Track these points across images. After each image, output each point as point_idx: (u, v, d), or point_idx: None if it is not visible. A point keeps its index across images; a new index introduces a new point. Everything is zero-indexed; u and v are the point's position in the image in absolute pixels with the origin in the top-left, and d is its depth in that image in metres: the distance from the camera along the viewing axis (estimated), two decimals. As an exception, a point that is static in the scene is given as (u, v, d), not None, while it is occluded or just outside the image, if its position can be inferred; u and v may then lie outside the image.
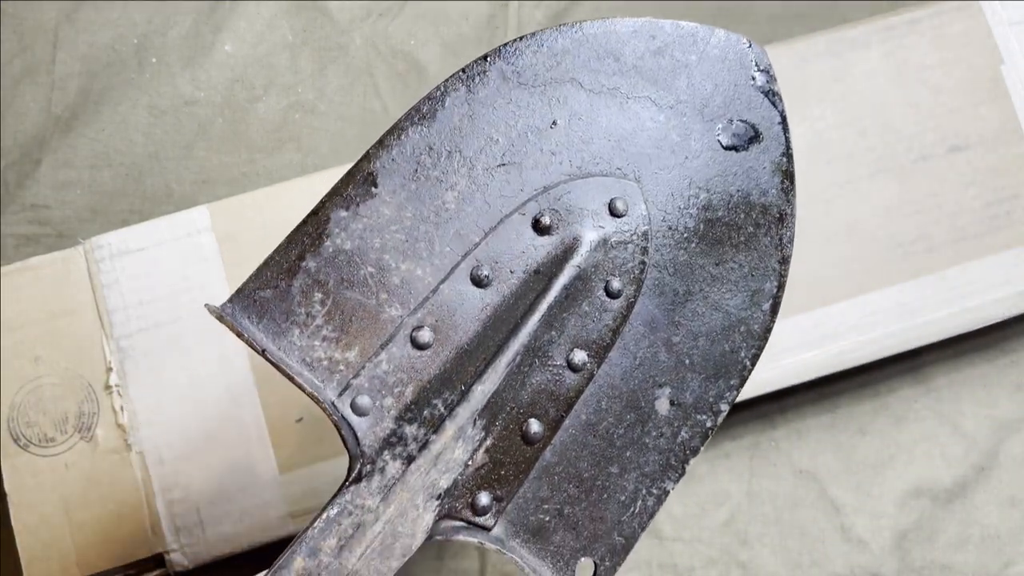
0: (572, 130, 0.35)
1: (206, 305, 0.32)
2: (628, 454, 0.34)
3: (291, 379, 0.32)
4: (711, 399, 0.35)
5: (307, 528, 0.31)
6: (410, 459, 0.32)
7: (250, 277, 0.32)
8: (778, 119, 0.36)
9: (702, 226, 0.35)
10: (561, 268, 0.34)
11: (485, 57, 0.34)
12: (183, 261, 0.44)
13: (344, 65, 0.54)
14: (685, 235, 0.35)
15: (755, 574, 0.47)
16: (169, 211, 0.46)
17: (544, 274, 0.34)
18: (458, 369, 0.33)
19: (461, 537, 0.32)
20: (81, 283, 0.44)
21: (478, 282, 0.34)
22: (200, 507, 0.42)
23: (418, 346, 0.33)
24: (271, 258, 0.33)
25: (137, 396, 0.43)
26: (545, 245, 0.34)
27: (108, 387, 0.43)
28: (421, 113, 0.34)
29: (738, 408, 0.46)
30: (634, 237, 0.35)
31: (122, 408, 0.43)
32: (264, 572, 0.32)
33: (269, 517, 0.42)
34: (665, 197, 0.35)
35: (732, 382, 0.35)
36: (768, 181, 0.36)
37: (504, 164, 0.34)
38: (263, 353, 0.31)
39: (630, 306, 0.35)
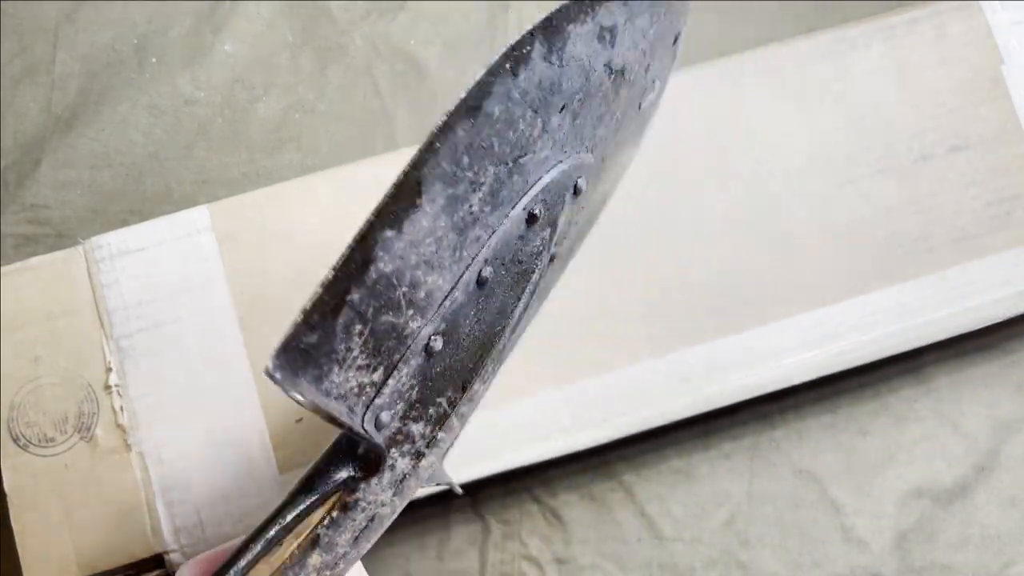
0: (574, 112, 0.32)
1: (266, 372, 0.29)
2: None
3: (332, 421, 0.30)
4: None
5: (313, 524, 0.31)
6: (419, 455, 0.32)
7: (297, 325, 0.28)
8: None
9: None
10: (540, 258, 0.34)
11: (532, 33, 0.30)
12: (183, 261, 0.44)
13: (344, 65, 0.54)
14: (604, 161, 0.35)
15: (756, 574, 0.47)
16: (169, 211, 0.46)
17: (526, 264, 0.33)
18: (457, 366, 0.33)
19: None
20: (81, 283, 0.44)
21: (481, 283, 0.32)
22: (200, 507, 0.42)
23: (430, 354, 0.32)
24: (319, 299, 0.28)
25: (137, 396, 0.43)
26: (530, 236, 0.33)
27: (108, 387, 0.43)
28: (469, 105, 0.29)
29: (738, 408, 0.46)
30: (583, 206, 0.34)
31: (122, 408, 0.43)
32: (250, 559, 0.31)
33: (269, 517, 0.42)
34: (602, 159, 0.35)
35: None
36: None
37: (522, 156, 0.31)
38: (314, 409, 0.29)
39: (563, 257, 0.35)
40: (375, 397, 0.31)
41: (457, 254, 0.31)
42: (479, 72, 0.30)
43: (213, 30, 0.54)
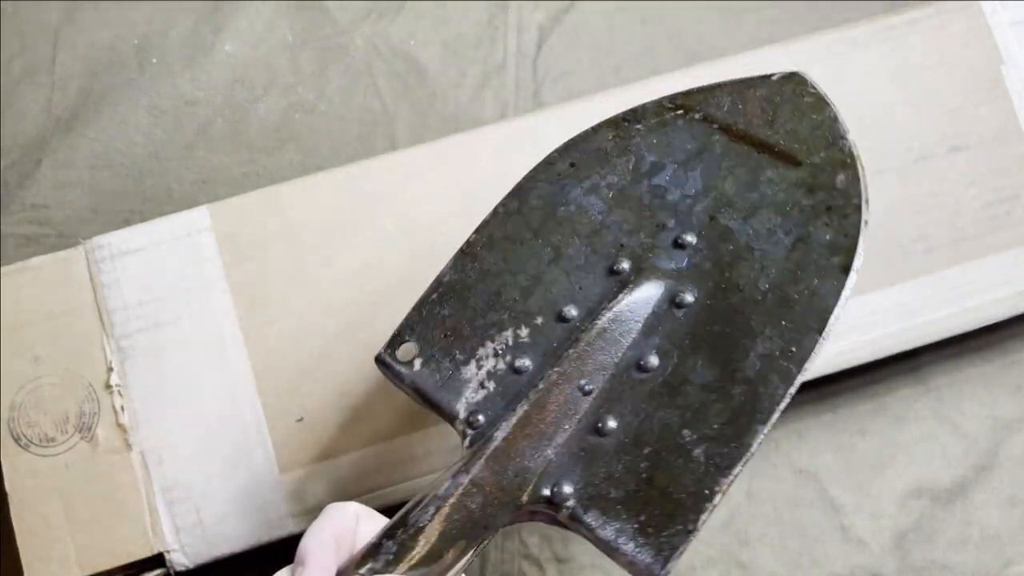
0: None
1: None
2: None
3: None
4: None
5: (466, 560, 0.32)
6: None
7: None
8: None
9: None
10: None
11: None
12: (183, 261, 0.44)
13: (344, 65, 0.54)
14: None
15: (755, 574, 0.47)
16: (169, 211, 0.46)
17: None
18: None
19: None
20: (81, 283, 0.44)
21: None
22: (200, 506, 0.42)
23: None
24: None
25: (137, 396, 0.43)
26: None
27: (108, 387, 0.43)
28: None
29: (738, 408, 0.46)
30: None
31: (122, 408, 0.43)
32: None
33: (269, 516, 0.43)
34: None
35: None
36: None
37: None
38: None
39: None
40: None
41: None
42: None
43: (213, 30, 0.54)
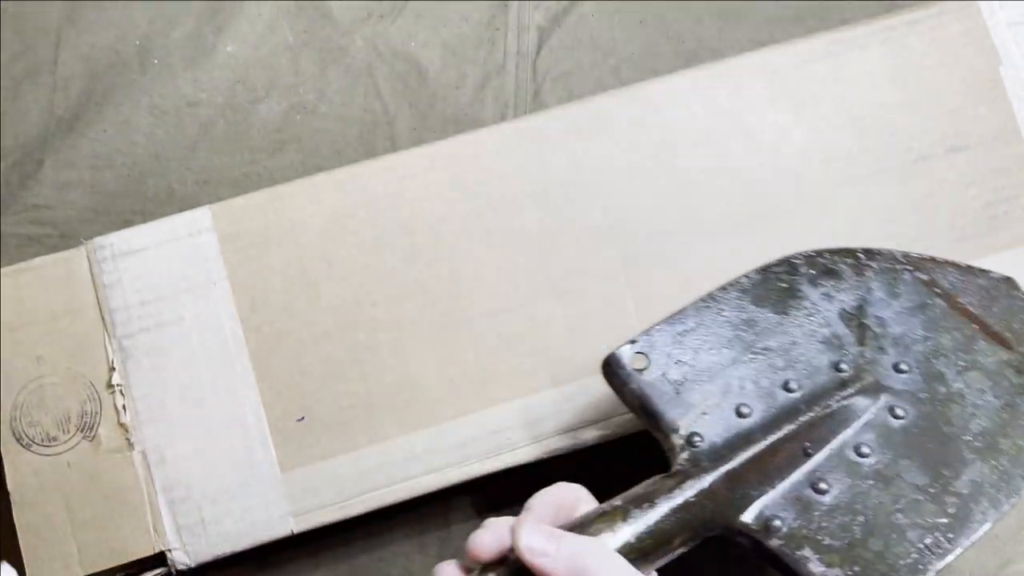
0: None
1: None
2: None
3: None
4: None
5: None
6: None
7: None
8: None
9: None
10: None
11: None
12: (185, 261, 0.45)
13: (345, 66, 0.54)
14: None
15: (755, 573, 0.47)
16: (171, 212, 0.46)
17: None
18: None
19: None
20: (83, 283, 0.44)
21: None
22: (202, 506, 0.42)
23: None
24: None
25: (139, 395, 0.43)
26: None
27: (110, 386, 0.43)
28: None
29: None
30: None
31: (124, 407, 0.43)
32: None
33: (270, 515, 0.43)
34: None
35: None
36: None
37: None
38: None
39: None
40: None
41: None
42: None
43: (215, 31, 0.54)
